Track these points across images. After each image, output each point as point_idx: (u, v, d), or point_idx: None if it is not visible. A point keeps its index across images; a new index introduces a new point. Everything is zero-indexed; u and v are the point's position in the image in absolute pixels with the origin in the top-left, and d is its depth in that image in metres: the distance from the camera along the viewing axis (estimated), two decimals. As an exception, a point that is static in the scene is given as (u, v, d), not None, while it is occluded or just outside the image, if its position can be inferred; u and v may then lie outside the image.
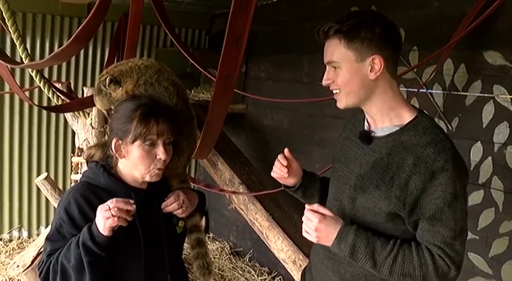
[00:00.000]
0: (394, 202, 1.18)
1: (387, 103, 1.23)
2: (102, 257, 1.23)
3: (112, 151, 1.34)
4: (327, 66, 1.26)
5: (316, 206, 1.23)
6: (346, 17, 1.20)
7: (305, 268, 1.62)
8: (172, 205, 1.41)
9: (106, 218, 1.19)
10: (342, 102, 1.26)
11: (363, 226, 1.23)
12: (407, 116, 1.23)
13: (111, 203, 1.20)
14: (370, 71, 1.19)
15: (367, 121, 1.31)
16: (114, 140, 1.33)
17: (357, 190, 1.26)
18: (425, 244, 1.18)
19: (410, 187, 1.15)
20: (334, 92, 1.28)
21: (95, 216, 1.24)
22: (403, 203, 1.17)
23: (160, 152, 1.31)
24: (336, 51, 1.21)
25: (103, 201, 1.29)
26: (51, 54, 2.02)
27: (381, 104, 1.24)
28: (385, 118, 1.25)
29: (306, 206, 1.24)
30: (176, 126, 1.37)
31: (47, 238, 1.33)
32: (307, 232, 1.24)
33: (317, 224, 1.20)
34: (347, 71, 1.21)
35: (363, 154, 1.27)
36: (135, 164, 1.33)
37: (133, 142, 1.30)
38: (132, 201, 1.22)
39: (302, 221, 1.25)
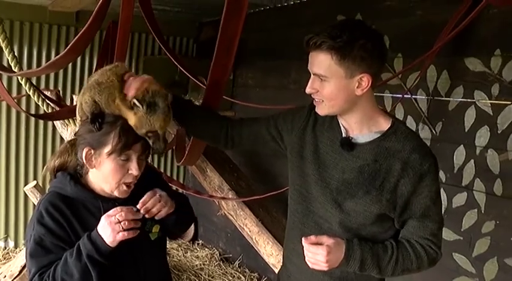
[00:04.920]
0: (385, 204, 1.26)
1: (367, 114, 1.29)
2: (108, 265, 1.22)
3: (82, 160, 1.29)
4: (312, 75, 1.26)
5: (314, 238, 1.24)
6: (337, 30, 1.18)
7: (278, 273, 1.61)
8: (150, 201, 1.27)
9: (117, 232, 1.17)
10: (324, 111, 1.30)
11: (352, 229, 1.31)
12: (384, 123, 1.30)
13: (119, 216, 1.18)
14: (357, 87, 1.22)
15: (344, 127, 1.33)
16: (85, 150, 1.27)
17: (342, 194, 1.30)
18: (415, 239, 1.29)
19: (399, 190, 1.25)
20: (316, 100, 1.30)
21: (70, 226, 1.23)
22: (394, 205, 1.27)
23: (133, 167, 1.27)
24: (326, 66, 1.21)
25: (73, 211, 1.26)
26: (47, 63, 2.02)
27: (361, 114, 1.29)
28: (364, 126, 1.30)
29: (304, 240, 1.24)
30: (149, 145, 1.32)
31: (30, 256, 1.25)
32: (316, 264, 1.24)
33: (327, 257, 1.21)
34: (335, 86, 1.22)
35: (345, 160, 1.30)
36: (105, 176, 1.28)
37: (109, 154, 1.25)
38: (137, 207, 1.22)
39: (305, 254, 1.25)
